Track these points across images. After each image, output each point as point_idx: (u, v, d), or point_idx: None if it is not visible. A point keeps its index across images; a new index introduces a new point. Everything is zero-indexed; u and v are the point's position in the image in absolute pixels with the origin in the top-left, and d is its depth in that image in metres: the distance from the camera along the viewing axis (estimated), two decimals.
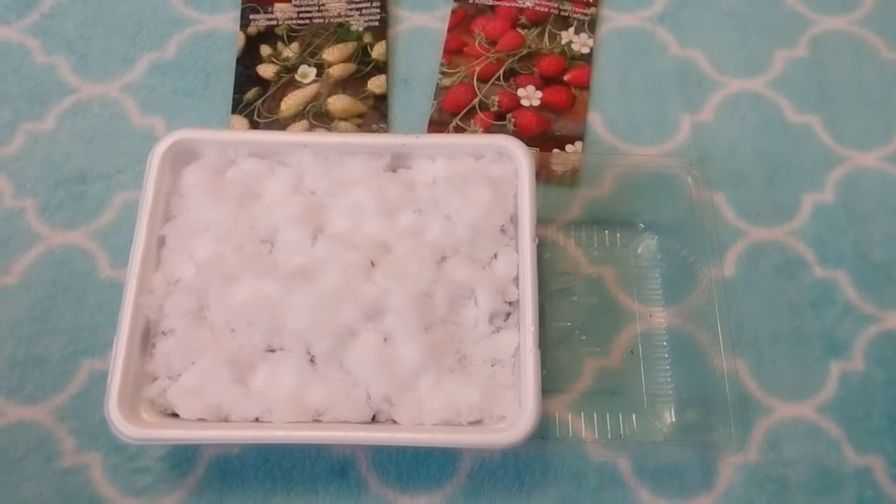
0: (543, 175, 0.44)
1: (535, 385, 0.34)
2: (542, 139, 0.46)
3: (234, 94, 0.48)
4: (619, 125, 0.48)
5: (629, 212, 0.44)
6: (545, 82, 0.48)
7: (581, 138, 0.47)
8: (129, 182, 0.45)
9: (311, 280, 0.36)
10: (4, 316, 0.42)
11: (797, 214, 0.45)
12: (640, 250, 0.44)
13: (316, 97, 0.48)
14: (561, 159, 0.45)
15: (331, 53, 0.49)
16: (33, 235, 0.44)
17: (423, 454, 0.39)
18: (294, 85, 0.48)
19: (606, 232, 0.44)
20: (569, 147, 0.46)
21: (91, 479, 0.38)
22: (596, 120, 0.48)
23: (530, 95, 0.48)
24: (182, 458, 0.39)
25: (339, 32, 0.50)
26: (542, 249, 0.42)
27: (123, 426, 0.33)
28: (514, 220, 0.38)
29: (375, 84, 0.48)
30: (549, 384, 0.38)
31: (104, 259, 0.43)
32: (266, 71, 0.48)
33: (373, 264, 0.37)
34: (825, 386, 0.41)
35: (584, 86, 0.48)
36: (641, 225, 0.44)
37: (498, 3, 0.51)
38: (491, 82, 0.48)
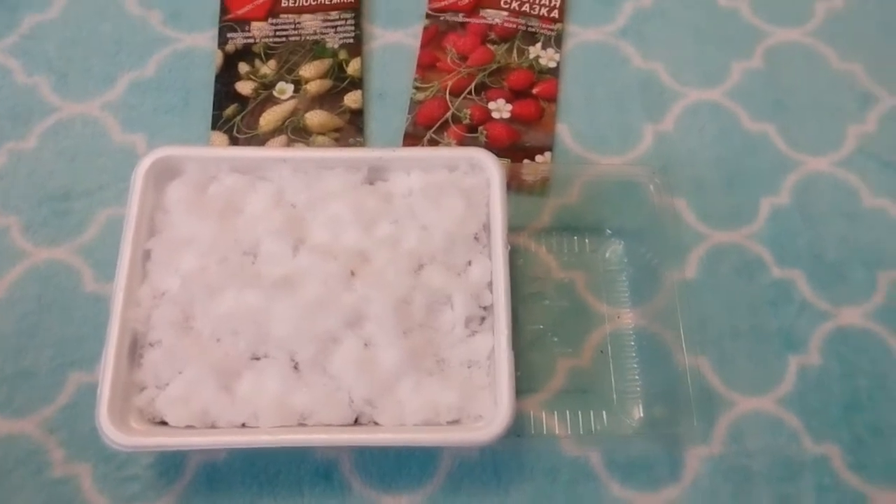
0: (514, 185, 0.46)
1: (509, 385, 0.35)
2: (513, 150, 0.48)
3: (214, 110, 0.49)
4: (586, 136, 0.49)
5: (597, 218, 0.46)
6: (515, 96, 0.50)
7: (550, 149, 0.48)
8: (111, 198, 0.46)
9: (294, 290, 0.37)
10: None
11: (755, 218, 0.47)
12: (607, 255, 0.45)
13: (294, 113, 0.49)
14: (531, 169, 0.47)
15: (307, 70, 0.50)
16: (17, 252, 0.45)
17: (404, 455, 0.40)
18: (272, 101, 0.49)
19: (575, 238, 0.46)
20: (538, 157, 0.48)
21: (81, 489, 0.39)
22: (564, 131, 0.49)
23: (501, 108, 0.49)
24: (170, 465, 0.40)
25: (315, 50, 0.51)
26: (515, 256, 0.44)
27: (114, 434, 0.34)
28: (486, 228, 0.40)
29: (351, 99, 0.50)
30: (524, 384, 0.40)
31: (89, 274, 0.44)
32: (244, 88, 0.50)
33: (353, 274, 0.38)
34: (784, 380, 0.42)
35: (552, 98, 0.50)
36: (608, 231, 0.46)
37: (468, 20, 0.53)
38: (463, 96, 0.50)
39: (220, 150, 0.45)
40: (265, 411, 0.36)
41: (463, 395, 0.36)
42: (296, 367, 0.37)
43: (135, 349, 0.37)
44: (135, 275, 0.38)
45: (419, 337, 0.37)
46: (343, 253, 0.38)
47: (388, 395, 0.36)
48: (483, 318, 0.39)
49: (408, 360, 0.36)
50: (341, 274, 0.38)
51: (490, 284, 0.38)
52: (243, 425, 0.36)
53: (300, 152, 0.42)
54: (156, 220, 0.39)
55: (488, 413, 0.36)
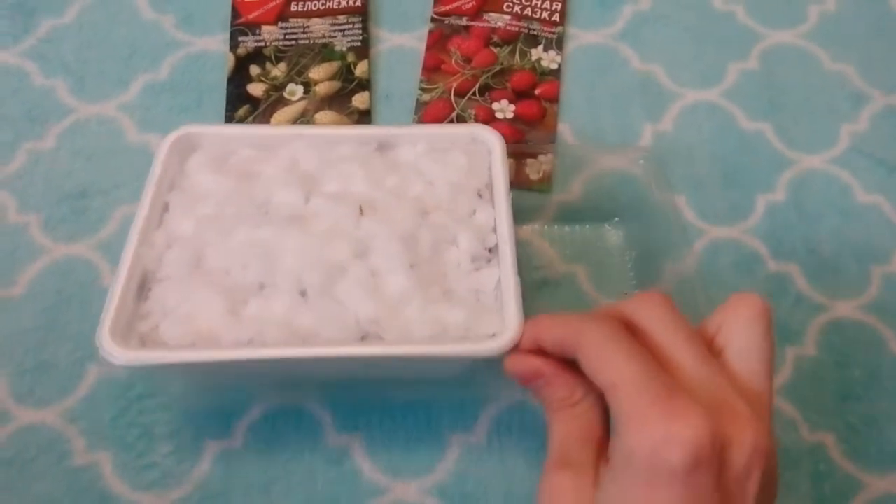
0: (518, 181, 0.47)
1: (516, 303, 0.35)
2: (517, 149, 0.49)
3: (226, 111, 0.50)
4: (587, 135, 0.50)
5: (598, 212, 0.47)
6: (517, 96, 0.51)
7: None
8: (128, 196, 0.48)
9: (304, 225, 0.37)
10: (12, 325, 0.44)
11: (752, 214, 0.48)
12: (608, 246, 0.46)
13: (304, 113, 0.50)
14: (534, 166, 0.48)
15: (316, 72, 0.52)
16: (37, 248, 0.46)
17: (413, 440, 0.41)
18: (283, 102, 0.51)
19: (578, 230, 0.47)
20: (541, 156, 0.49)
21: (101, 476, 0.40)
22: (565, 130, 0.51)
23: (504, 109, 0.51)
24: (188, 452, 0.41)
25: (324, 52, 0.53)
26: (520, 248, 0.44)
27: (114, 350, 0.33)
28: (489, 187, 0.40)
29: (359, 100, 0.51)
30: None
31: (106, 269, 0.45)
32: (256, 89, 0.51)
33: (361, 212, 0.38)
34: (781, 371, 0.43)
35: (554, 99, 0.52)
36: (609, 224, 0.47)
37: (472, 23, 0.54)
38: (467, 97, 0.51)
39: (239, 127, 0.46)
40: (271, 329, 0.35)
41: (470, 314, 0.35)
42: (303, 294, 0.36)
43: (144, 285, 0.37)
44: (151, 222, 0.38)
45: (426, 269, 0.37)
46: (352, 199, 0.39)
47: (395, 315, 0.35)
48: (488, 259, 0.38)
49: (415, 287, 0.36)
50: (351, 213, 0.38)
51: (494, 229, 0.39)
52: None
53: (315, 129, 0.43)
54: (176, 181, 0.40)
55: (496, 330, 0.35)
